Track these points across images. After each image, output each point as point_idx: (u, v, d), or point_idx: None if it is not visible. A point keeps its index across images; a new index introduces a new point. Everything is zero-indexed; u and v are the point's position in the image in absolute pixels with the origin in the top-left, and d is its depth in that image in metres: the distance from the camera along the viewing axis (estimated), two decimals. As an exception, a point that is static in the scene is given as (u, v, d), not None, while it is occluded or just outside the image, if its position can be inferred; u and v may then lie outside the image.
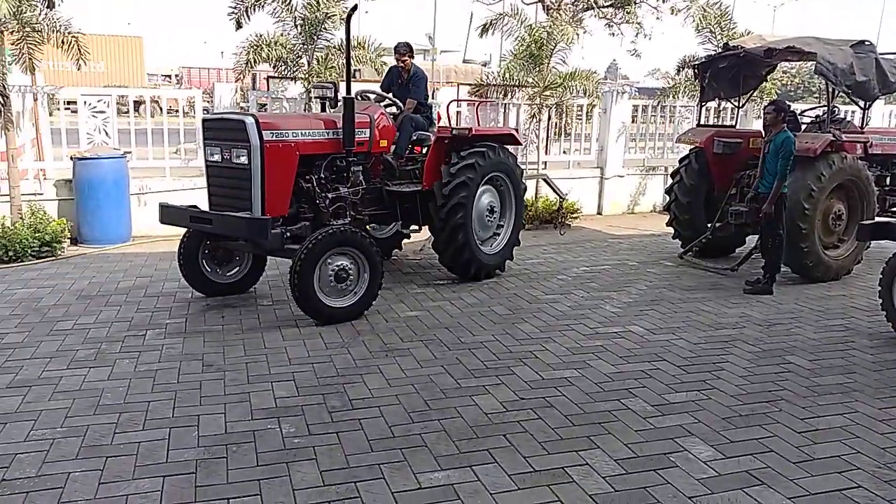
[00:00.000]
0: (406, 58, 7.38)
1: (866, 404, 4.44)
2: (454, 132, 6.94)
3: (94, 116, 9.12)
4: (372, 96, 7.34)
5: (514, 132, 7.83)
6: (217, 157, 5.87)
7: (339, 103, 6.55)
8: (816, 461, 3.70)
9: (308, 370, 4.77)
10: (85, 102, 9.13)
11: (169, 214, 6.18)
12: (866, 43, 8.30)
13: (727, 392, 4.58)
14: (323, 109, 6.84)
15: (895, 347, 5.56)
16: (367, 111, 6.64)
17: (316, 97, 6.51)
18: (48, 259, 7.77)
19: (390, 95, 7.36)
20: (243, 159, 5.63)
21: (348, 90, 6.23)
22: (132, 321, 5.75)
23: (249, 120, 5.67)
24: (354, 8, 5.97)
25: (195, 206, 6.22)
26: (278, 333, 5.53)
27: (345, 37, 6.23)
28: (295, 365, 4.87)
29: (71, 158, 8.71)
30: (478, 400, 4.34)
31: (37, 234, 7.76)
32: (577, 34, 10.98)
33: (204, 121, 6.15)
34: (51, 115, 10.55)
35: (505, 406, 4.27)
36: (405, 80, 7.41)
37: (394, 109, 7.35)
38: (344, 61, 6.66)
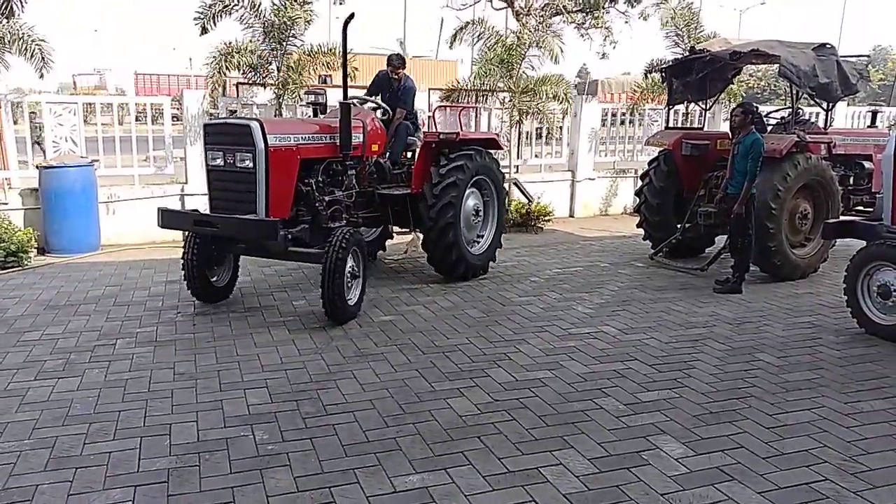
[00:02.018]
0: (400, 70, 7.61)
1: (833, 399, 4.52)
2: (442, 137, 7.14)
3: (60, 125, 8.99)
4: (368, 104, 7.55)
5: (496, 137, 7.99)
6: (220, 162, 5.87)
7: (331, 109, 6.91)
8: (785, 456, 3.76)
9: (281, 376, 4.74)
10: (51, 110, 9.00)
11: (170, 219, 6.18)
12: (827, 46, 8.49)
13: (698, 390, 4.64)
14: (315, 115, 6.93)
15: (861, 343, 5.67)
16: (359, 117, 6.79)
17: (308, 103, 6.69)
18: (14, 269, 7.63)
19: (379, 101, 7.62)
20: (248, 163, 5.72)
21: (345, 95, 6.47)
22: (101, 330, 5.67)
23: (255, 124, 5.74)
24: (352, 16, 6.07)
25: (196, 210, 6.43)
26: (250, 340, 5.48)
27: (341, 44, 6.36)
28: (268, 371, 4.83)
29: (37, 167, 8.57)
30: (452, 403, 4.35)
31: (2, 245, 7.62)
32: (560, 47, 11.05)
33: (206, 126, 6.12)
34: (16, 122, 10.37)
35: (479, 408, 4.28)
36: (396, 90, 7.60)
37: (379, 113, 7.52)
38: (335, 66, 7.38)
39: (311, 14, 9.20)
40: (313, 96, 6.89)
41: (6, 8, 7.04)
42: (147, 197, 9.19)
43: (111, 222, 9.01)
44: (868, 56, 9.74)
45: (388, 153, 7.40)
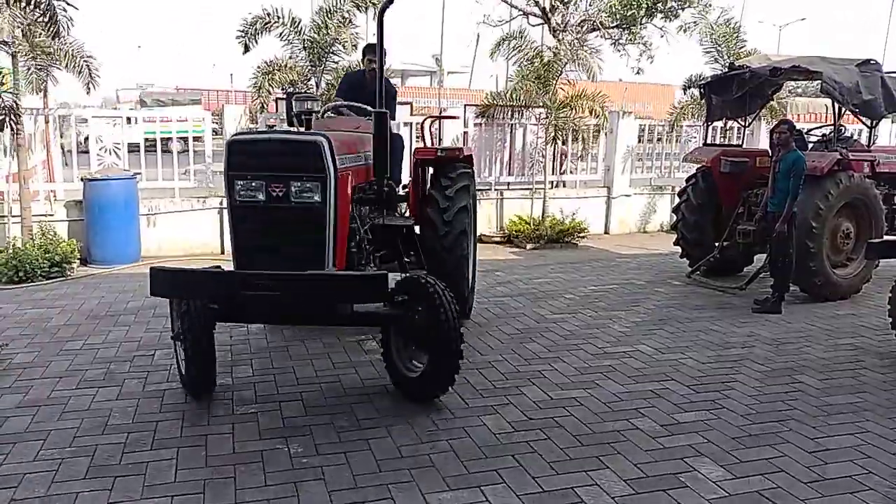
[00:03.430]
0: (374, 62, 5.64)
1: (878, 424, 4.40)
2: (442, 153, 6.15)
3: (104, 138, 9.23)
4: (359, 115, 5.87)
5: (469, 150, 6.57)
6: (260, 196, 4.20)
7: (329, 118, 5.66)
8: (828, 481, 3.67)
9: (316, 390, 4.77)
10: (96, 124, 9.24)
11: (173, 283, 4.24)
12: (872, 62, 8.34)
13: (737, 412, 4.55)
14: (307, 127, 4.76)
15: (906, 367, 5.52)
16: (362, 128, 5.40)
17: (298, 112, 4.71)
18: (58, 279, 7.82)
19: (368, 108, 5.62)
20: (315, 196, 4.18)
21: (379, 99, 4.72)
22: (141, 341, 5.77)
23: (323, 140, 4.22)
24: (390, 1, 4.67)
25: (218, 267, 4.58)
26: (286, 353, 5.53)
27: (377, 35, 4.66)
28: (303, 385, 4.87)
29: (82, 180, 8.79)
30: (486, 420, 4.33)
31: (47, 255, 7.82)
32: (599, 64, 11.04)
33: (235, 143, 4.34)
34: (62, 136, 10.69)
35: (513, 426, 4.26)
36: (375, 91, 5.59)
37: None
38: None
39: (356, 38, 9.31)
40: (307, 103, 4.78)
41: (52, 27, 7.27)
42: (187, 210, 9.37)
43: (151, 234, 9.20)
44: (913, 72, 9.54)
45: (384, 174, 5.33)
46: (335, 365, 5.27)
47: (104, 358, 5.35)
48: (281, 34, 9.45)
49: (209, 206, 9.51)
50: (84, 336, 5.87)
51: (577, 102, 10.87)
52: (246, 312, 4.72)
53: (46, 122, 9.31)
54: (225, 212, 9.24)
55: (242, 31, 9.37)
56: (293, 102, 4.81)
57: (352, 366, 5.26)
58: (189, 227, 9.40)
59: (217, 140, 10.56)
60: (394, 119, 5.92)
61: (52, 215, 8.80)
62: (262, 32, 9.33)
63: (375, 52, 5.40)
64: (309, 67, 9.45)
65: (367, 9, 9.73)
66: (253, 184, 4.22)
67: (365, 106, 5.59)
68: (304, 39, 9.40)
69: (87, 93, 8.97)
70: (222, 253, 9.34)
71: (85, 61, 9.09)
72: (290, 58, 9.50)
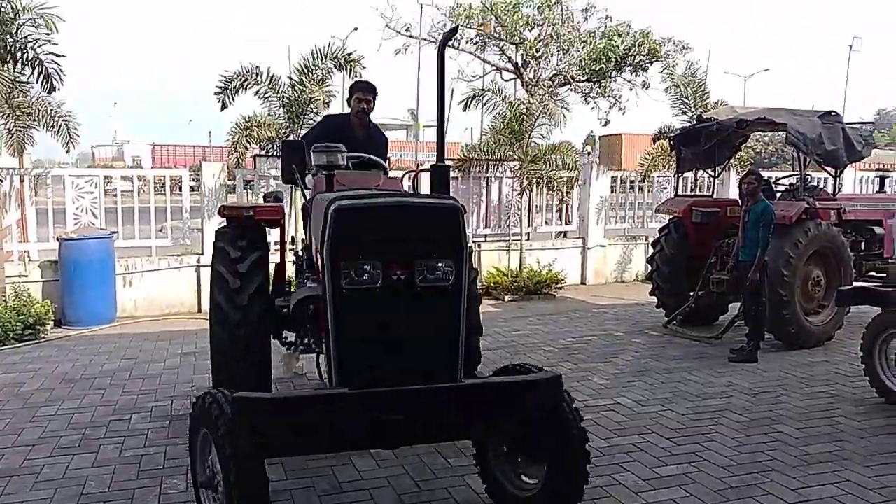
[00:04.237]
0: (372, 104, 5.37)
1: (857, 472, 4.44)
2: None
3: (81, 197, 9.21)
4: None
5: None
6: (376, 281, 3.15)
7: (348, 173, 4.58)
8: (810, 534, 3.68)
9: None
10: (73, 183, 9.23)
11: (282, 417, 3.10)
12: (832, 113, 8.67)
13: (718, 463, 4.58)
14: (329, 185, 4.02)
15: (881, 413, 5.59)
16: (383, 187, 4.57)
17: (317, 165, 4.05)
18: (31, 342, 7.70)
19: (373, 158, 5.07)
20: (446, 278, 3.23)
21: (441, 151, 3.97)
22: (117, 405, 5.68)
23: (458, 205, 3.36)
24: (454, 31, 4.16)
25: (325, 387, 3.81)
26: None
27: (438, 69, 3.76)
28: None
29: (57, 239, 8.74)
30: (469, 480, 4.30)
31: (20, 317, 7.71)
32: (564, 113, 11.35)
33: (343, 211, 3.17)
34: (36, 194, 10.64)
35: (496, 485, 4.22)
36: (366, 139, 5.31)
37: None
38: None
39: (329, 96, 9.48)
40: (331, 155, 4.03)
41: (47, 83, 7.36)
42: (164, 268, 9.32)
43: (128, 293, 9.13)
44: (872, 123, 9.92)
45: None
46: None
47: (79, 423, 5.25)
48: (258, 92, 9.59)
49: (186, 265, 9.47)
50: (58, 401, 5.77)
51: (550, 156, 11.08)
52: (337, 440, 3.28)
53: (21, 181, 9.27)
54: (203, 269, 9.41)
55: (220, 89, 9.50)
56: (311, 154, 4.03)
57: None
58: (166, 286, 9.35)
59: (194, 196, 10.57)
60: (387, 172, 5.21)
61: (25, 276, 8.70)
62: (240, 90, 9.47)
63: (368, 90, 5.31)
64: (287, 124, 9.58)
65: (342, 68, 9.93)
66: (367, 265, 3.13)
67: (377, 159, 5.02)
68: (281, 97, 9.54)
69: (67, 152, 9.01)
70: (199, 311, 9.28)
71: (64, 120, 9.12)
72: (269, 115, 9.62)
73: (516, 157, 11.15)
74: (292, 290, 5.06)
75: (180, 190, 10.77)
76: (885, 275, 8.65)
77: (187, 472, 4.37)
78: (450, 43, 4.48)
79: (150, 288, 9.26)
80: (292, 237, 7.23)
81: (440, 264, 3.22)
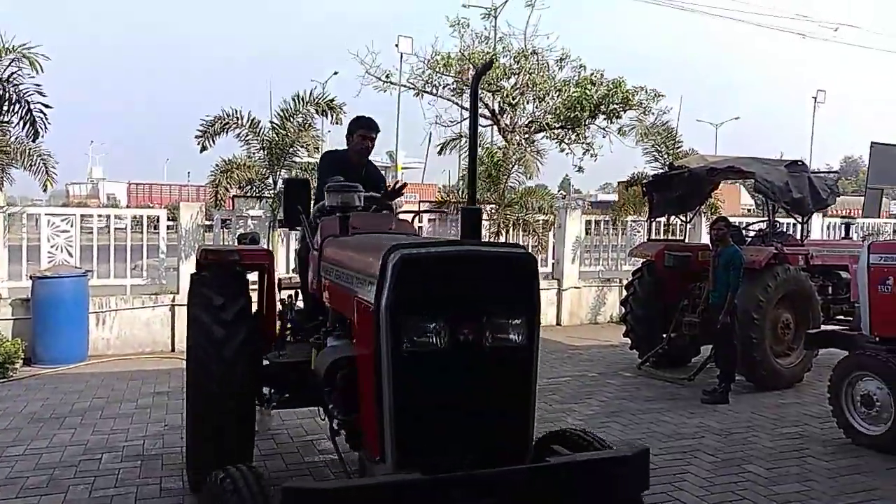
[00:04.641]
0: (374, 140, 5.18)
1: (824, 512, 4.52)
2: None
3: (56, 235, 9.18)
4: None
5: None
6: (440, 341, 2.76)
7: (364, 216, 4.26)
8: (779, 572, 3.73)
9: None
10: (48, 221, 9.21)
11: None
12: (799, 163, 8.99)
13: (689, 503, 4.62)
14: (343, 228, 3.87)
15: (848, 454, 5.69)
16: (396, 230, 4.32)
17: (330, 207, 3.87)
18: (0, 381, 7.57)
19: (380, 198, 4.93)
20: (517, 338, 2.89)
21: (472, 190, 3.47)
22: (87, 444, 5.61)
23: (532, 256, 3.05)
24: (489, 65, 3.73)
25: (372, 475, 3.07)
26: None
27: (471, 101, 3.33)
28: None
29: (30, 277, 8.67)
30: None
31: (-10, 356, 7.59)
32: (539, 163, 11.60)
33: (407, 262, 2.75)
34: (9, 231, 10.57)
35: (470, 524, 4.23)
36: (367, 177, 4.96)
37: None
38: None
39: (318, 140, 9.59)
40: (347, 196, 3.92)
41: (31, 130, 7.39)
42: (138, 307, 9.26)
43: (101, 332, 9.04)
44: (837, 172, 10.26)
45: None
46: (288, 467, 5.18)
47: (47, 463, 5.17)
48: (239, 134, 9.71)
49: (161, 304, 9.42)
50: (26, 440, 5.68)
51: (526, 200, 11.28)
52: None
53: (-5, 219, 9.22)
54: (178, 308, 9.36)
55: (201, 131, 9.59)
56: (327, 194, 3.81)
57: (307, 472, 5.17)
58: (140, 325, 9.28)
59: (171, 235, 10.56)
60: (393, 212, 5.10)
61: (-4, 314, 8.59)
62: (220, 133, 9.57)
63: (372, 129, 5.04)
64: (267, 166, 9.68)
65: (324, 113, 10.09)
66: (432, 324, 2.74)
67: (380, 200, 4.81)
68: (262, 140, 9.66)
69: (44, 190, 8.99)
70: (172, 351, 9.21)
71: (42, 159, 9.13)
72: (249, 157, 9.72)
73: (493, 201, 11.33)
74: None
75: (156, 229, 10.78)
76: (851, 318, 8.85)
77: (159, 511, 4.35)
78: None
79: (123, 327, 9.19)
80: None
81: (512, 322, 2.85)
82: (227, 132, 9.59)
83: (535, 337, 2.91)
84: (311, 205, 4.27)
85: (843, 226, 11.91)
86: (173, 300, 9.43)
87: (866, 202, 21.52)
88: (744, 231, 9.42)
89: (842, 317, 9.39)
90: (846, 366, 6.11)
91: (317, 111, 9.99)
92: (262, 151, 9.68)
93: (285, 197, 4.05)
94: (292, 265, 9.38)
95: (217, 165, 9.45)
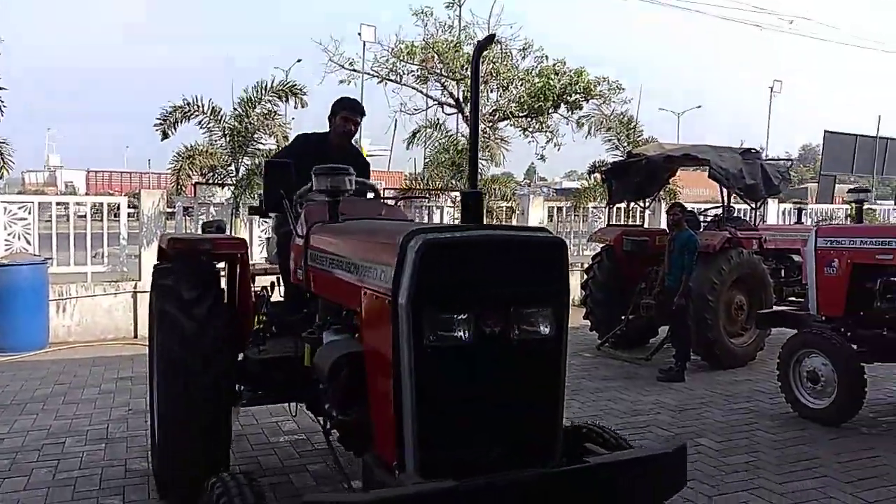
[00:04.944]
0: (359, 125, 4.96)
1: (768, 480, 4.73)
2: None
3: (13, 223, 9.06)
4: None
5: None
6: (464, 334, 2.52)
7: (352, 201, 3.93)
8: (725, 535, 3.93)
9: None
10: (5, 209, 9.08)
11: None
12: (752, 150, 9.26)
13: (643, 475, 4.81)
14: (333, 214, 3.58)
15: (794, 427, 5.94)
16: (387, 217, 4.16)
17: (318, 190, 3.54)
18: (-42, 369, 7.49)
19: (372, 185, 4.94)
20: (545, 329, 2.68)
21: (473, 180, 3.09)
22: (50, 429, 5.60)
23: (563, 241, 2.83)
24: (491, 38, 3.55)
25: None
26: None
27: (472, 76, 3.11)
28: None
29: (-12, 265, 8.54)
30: None
31: (-53, 344, 7.50)
32: (503, 151, 11.74)
33: (434, 248, 2.50)
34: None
35: None
36: (348, 161, 3.96)
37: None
38: None
39: (285, 129, 9.60)
40: (338, 179, 3.47)
41: None
42: (100, 294, 9.20)
43: (62, 320, 8.96)
44: (789, 159, 10.59)
45: None
46: (253, 447, 5.24)
47: (9, 448, 5.16)
48: (201, 122, 9.66)
49: (122, 291, 9.37)
50: (-13, 426, 5.65)
51: (490, 187, 11.41)
52: None
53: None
54: (140, 296, 9.31)
55: (162, 119, 9.53)
56: (315, 178, 3.47)
57: (268, 450, 5.25)
58: (102, 312, 9.21)
59: (132, 223, 10.47)
60: (378, 196, 5.02)
61: (-47, 302, 8.46)
62: (181, 120, 9.52)
63: (357, 111, 4.79)
64: (229, 154, 9.65)
65: (286, 99, 10.07)
66: (458, 316, 2.51)
67: (372, 182, 4.79)
68: (224, 127, 9.63)
69: (0, 177, 8.83)
70: (135, 337, 9.17)
71: (-2, 147, 9.00)
72: (211, 144, 9.69)
73: (457, 188, 11.45)
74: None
75: (116, 217, 10.68)
76: (803, 299, 9.18)
77: (124, 492, 4.40)
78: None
79: (84, 314, 9.12)
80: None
81: (541, 312, 2.65)
82: (188, 120, 9.54)
83: (564, 328, 2.72)
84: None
85: (796, 211, 12.29)
86: (135, 287, 9.38)
87: (820, 188, 22.15)
88: (700, 216, 9.68)
89: (794, 298, 9.71)
90: (794, 344, 6.36)
91: (279, 97, 9.98)
92: (224, 139, 9.65)
93: (266, 180, 3.80)
94: (261, 253, 9.41)
95: (179, 153, 9.39)
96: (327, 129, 4.86)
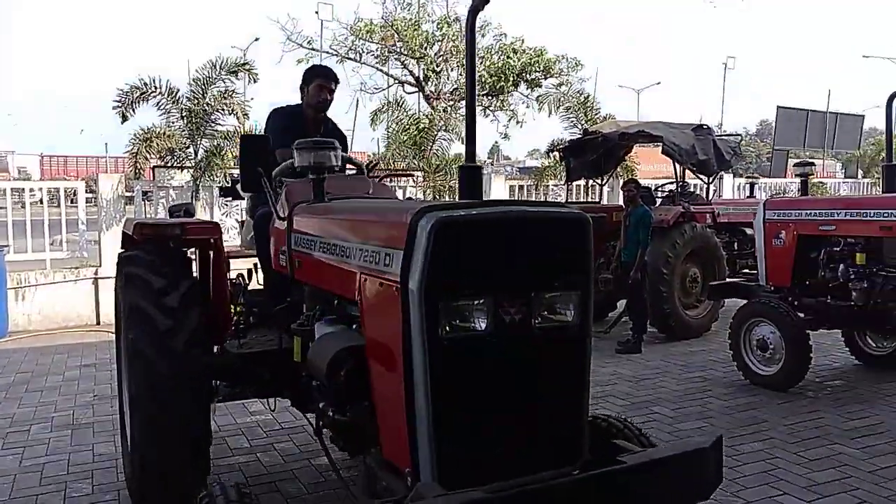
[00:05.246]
0: (334, 93, 4.54)
1: (719, 443, 4.97)
2: None
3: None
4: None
5: None
6: (482, 324, 2.32)
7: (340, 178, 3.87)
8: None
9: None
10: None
11: None
12: (704, 127, 9.50)
13: (600, 442, 5.00)
14: (318, 192, 3.29)
15: (745, 393, 6.21)
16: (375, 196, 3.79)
17: (301, 167, 3.22)
18: (-84, 360, 7.38)
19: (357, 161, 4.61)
20: (570, 316, 2.47)
21: (471, 153, 3.19)
22: (14, 417, 5.60)
23: (587, 217, 2.49)
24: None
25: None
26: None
27: (468, 40, 3.15)
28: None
29: (-58, 254, 8.40)
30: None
31: None
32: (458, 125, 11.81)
33: (448, 227, 2.23)
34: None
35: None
36: (324, 135, 4.20)
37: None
38: None
39: (245, 107, 9.53)
40: (324, 153, 3.17)
41: None
42: (60, 281, 9.10)
43: (21, 308, 8.86)
44: (740, 135, 10.88)
45: None
46: (220, 428, 5.30)
47: (-27, 436, 5.16)
48: (158, 103, 9.55)
49: (83, 277, 9.28)
50: (-52, 416, 5.62)
51: (452, 165, 11.50)
52: None
53: None
54: (101, 282, 9.24)
55: (119, 101, 9.40)
56: (297, 153, 3.18)
57: (236, 432, 5.32)
58: (62, 300, 9.12)
59: (91, 208, 10.34)
60: (362, 172, 4.44)
61: None
62: (139, 102, 9.40)
63: (331, 78, 4.45)
64: (188, 136, 9.57)
65: (235, 73, 9.94)
66: (475, 301, 2.29)
67: (353, 157, 4.47)
68: (181, 109, 9.53)
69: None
70: (98, 324, 9.11)
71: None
72: (168, 126, 9.59)
73: (420, 168, 11.51)
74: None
75: (73, 203, 10.54)
76: (755, 271, 9.49)
77: (92, 475, 4.44)
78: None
79: (44, 302, 9.02)
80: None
81: (565, 297, 2.43)
82: (146, 101, 9.43)
83: (589, 314, 2.50)
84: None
85: (749, 185, 12.65)
86: (96, 273, 9.30)
87: (773, 163, 22.71)
88: (655, 192, 9.91)
89: (747, 270, 10.00)
90: (744, 314, 6.61)
91: (234, 74, 9.87)
92: (182, 120, 9.56)
93: (242, 157, 3.41)
94: (231, 237, 9.35)
95: (136, 135, 9.29)
96: (298, 101, 4.49)
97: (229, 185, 5.10)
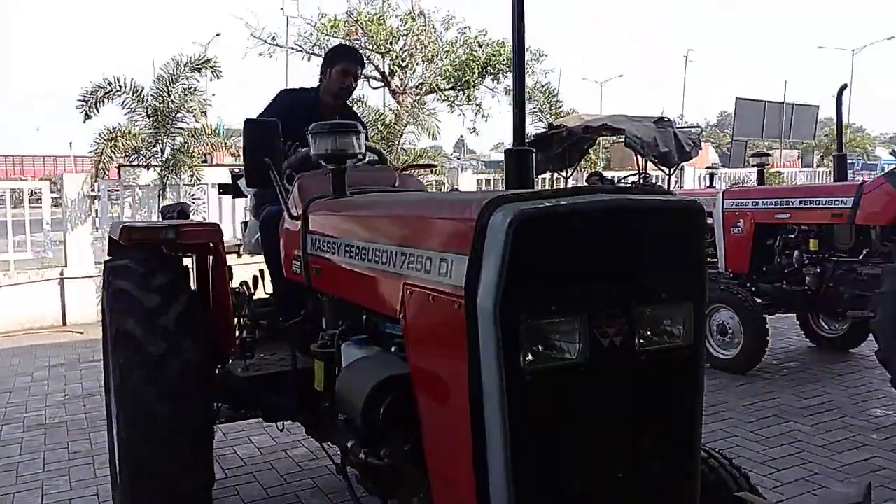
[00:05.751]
0: (358, 80, 4.07)
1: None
2: None
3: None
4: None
5: None
6: (573, 351, 1.79)
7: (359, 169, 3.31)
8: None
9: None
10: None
11: None
12: (665, 119, 9.74)
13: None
14: (338, 184, 2.85)
15: (706, 376, 6.36)
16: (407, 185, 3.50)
17: (318, 155, 2.72)
18: None
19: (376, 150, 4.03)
20: (682, 335, 1.96)
21: (520, 135, 2.87)
22: (-16, 419, 5.58)
23: (701, 207, 1.99)
24: None
25: None
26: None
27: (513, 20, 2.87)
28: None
29: None
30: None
31: None
32: (437, 124, 11.91)
33: (528, 222, 1.68)
34: None
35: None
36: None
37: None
38: None
39: (205, 105, 9.49)
40: (344, 138, 2.69)
41: None
42: (24, 282, 9.01)
43: (-17, 310, 8.76)
44: (699, 127, 11.16)
45: None
46: None
47: (-57, 439, 5.14)
48: (123, 102, 9.48)
49: (48, 278, 9.19)
50: (-83, 419, 5.57)
51: (419, 160, 11.60)
52: None
53: None
54: (67, 282, 9.17)
55: (83, 100, 9.31)
56: (312, 139, 2.71)
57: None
58: (27, 301, 9.02)
59: (53, 208, 10.21)
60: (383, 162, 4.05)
61: None
62: (103, 101, 9.32)
63: (356, 61, 3.92)
64: (153, 134, 9.51)
65: (198, 70, 9.89)
66: (564, 321, 1.78)
67: (380, 150, 4.02)
68: (147, 107, 9.48)
69: None
70: (64, 324, 9.04)
71: None
72: (133, 125, 9.53)
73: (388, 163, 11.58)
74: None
75: (38, 202, 10.40)
76: (715, 259, 9.78)
77: (69, 472, 4.48)
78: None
79: (9, 303, 8.91)
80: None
81: (672, 311, 1.93)
82: (110, 100, 9.35)
83: (703, 332, 2.02)
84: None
85: (708, 176, 12.95)
86: (61, 273, 9.21)
87: (733, 153, 23.22)
88: (617, 184, 10.14)
89: (708, 259, 10.31)
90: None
91: (198, 71, 9.82)
92: (147, 119, 9.50)
93: (247, 147, 2.88)
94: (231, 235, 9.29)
95: (101, 134, 9.21)
96: (316, 85, 3.96)
97: (227, 181, 4.66)
